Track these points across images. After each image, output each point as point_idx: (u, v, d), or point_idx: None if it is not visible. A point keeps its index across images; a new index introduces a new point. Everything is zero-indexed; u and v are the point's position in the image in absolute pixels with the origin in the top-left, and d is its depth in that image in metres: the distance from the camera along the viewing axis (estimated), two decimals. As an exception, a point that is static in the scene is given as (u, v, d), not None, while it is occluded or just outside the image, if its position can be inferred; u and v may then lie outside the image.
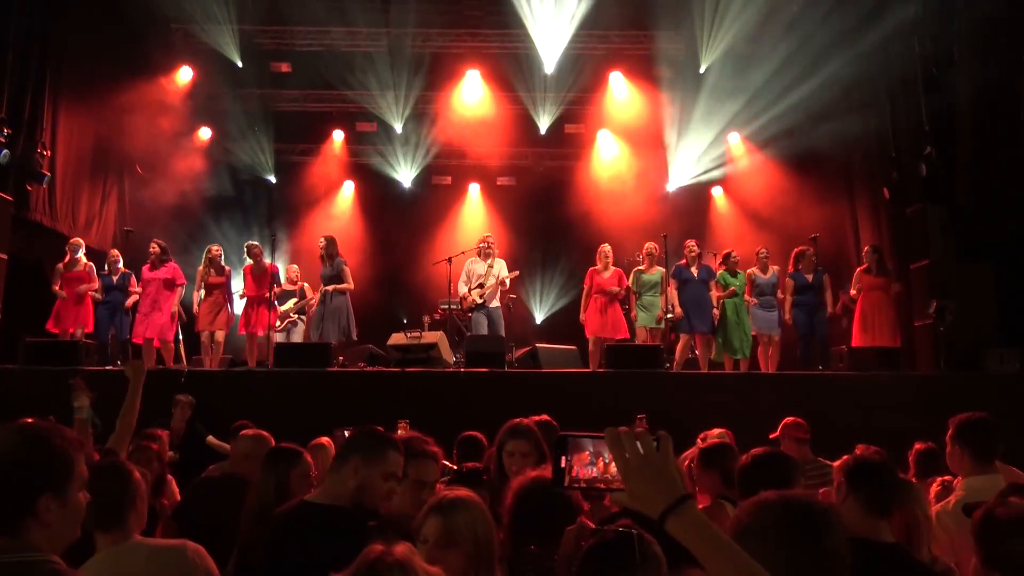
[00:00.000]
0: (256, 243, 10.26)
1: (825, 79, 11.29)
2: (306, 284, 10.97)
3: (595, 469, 1.48)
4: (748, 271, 9.76)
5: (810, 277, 9.70)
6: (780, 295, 9.79)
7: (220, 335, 9.79)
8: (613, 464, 1.44)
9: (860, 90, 11.37)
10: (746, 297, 9.62)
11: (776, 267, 9.95)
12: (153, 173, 13.46)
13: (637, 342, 9.75)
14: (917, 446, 4.74)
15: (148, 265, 9.78)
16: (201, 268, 9.92)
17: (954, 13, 9.31)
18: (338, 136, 15.29)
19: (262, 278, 9.91)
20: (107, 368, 9.05)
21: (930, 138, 9.70)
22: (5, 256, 9.52)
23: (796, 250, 9.92)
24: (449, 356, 9.80)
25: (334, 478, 2.87)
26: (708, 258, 10.51)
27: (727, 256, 9.81)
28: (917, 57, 10.08)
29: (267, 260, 10.17)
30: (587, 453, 1.48)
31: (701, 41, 13.12)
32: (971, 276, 9.22)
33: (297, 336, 11.00)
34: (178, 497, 4.49)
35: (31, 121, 10.31)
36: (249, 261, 10.12)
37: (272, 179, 15.32)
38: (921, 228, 9.83)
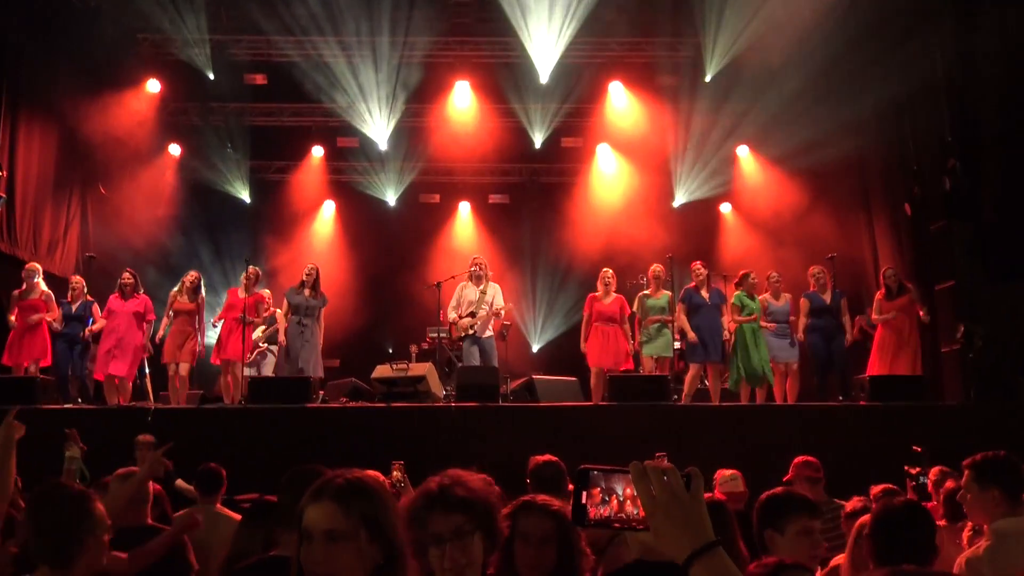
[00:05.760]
0: (256, 268, 10.13)
1: (842, 89, 11.38)
2: (278, 311, 10.84)
3: (609, 507, 1.48)
4: (760, 297, 9.74)
5: (827, 298, 9.69)
6: (792, 318, 9.80)
7: (184, 368, 9.56)
8: (630, 502, 1.45)
9: (879, 99, 11.45)
10: (762, 323, 9.61)
11: (789, 295, 9.95)
12: (119, 194, 13.47)
13: (643, 373, 9.70)
14: (949, 484, 4.71)
15: (117, 294, 9.60)
16: (174, 292, 9.74)
17: (979, 21, 9.39)
18: (317, 152, 15.35)
19: (250, 304, 9.81)
20: (66, 407, 8.97)
21: (954, 150, 9.74)
22: (-43, 285, 9.48)
23: (811, 269, 9.92)
24: (439, 389, 9.75)
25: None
26: (718, 281, 10.47)
27: (744, 277, 9.76)
28: (939, 65, 10.16)
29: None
30: (599, 489, 1.48)
31: (706, 49, 13.23)
32: (1000, 298, 9.21)
33: (268, 368, 10.90)
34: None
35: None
36: (238, 284, 10.02)
37: (247, 199, 15.34)
38: (945, 247, 9.84)
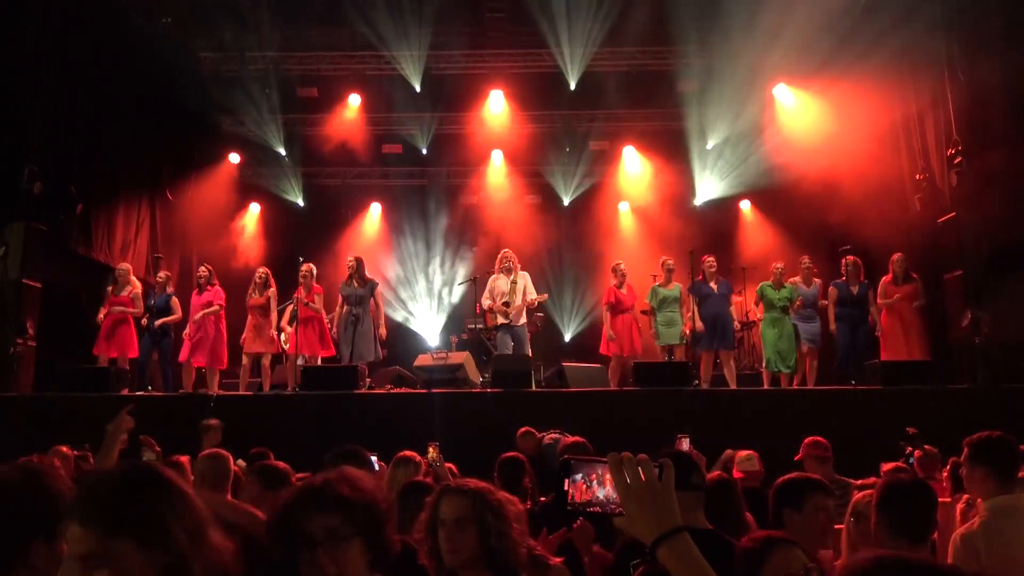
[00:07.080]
0: (308, 264, 10.11)
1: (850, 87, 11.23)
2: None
3: (590, 493, 1.53)
4: (791, 281, 9.71)
5: (855, 289, 9.53)
6: (822, 303, 9.72)
7: (267, 357, 9.73)
8: (609, 489, 1.49)
9: (889, 97, 11.27)
10: (795, 305, 9.53)
11: (819, 280, 9.87)
12: (184, 199, 13.78)
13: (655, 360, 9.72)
14: (952, 460, 4.71)
15: (196, 290, 9.86)
16: (249, 291, 9.91)
17: (986, 12, 9.21)
18: (363, 158, 15.48)
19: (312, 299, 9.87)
20: (136, 394, 9.19)
21: (960, 146, 9.60)
22: (40, 284, 9.73)
23: (846, 259, 9.79)
24: (476, 376, 9.84)
25: None
26: (740, 274, 10.38)
27: (773, 270, 9.75)
28: (945, 59, 10.00)
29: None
30: (581, 476, 1.54)
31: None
32: (1006, 285, 9.07)
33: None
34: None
35: (64, 149, 10.51)
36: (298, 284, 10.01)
37: (300, 202, 15.55)
38: (954, 238, 9.70)
